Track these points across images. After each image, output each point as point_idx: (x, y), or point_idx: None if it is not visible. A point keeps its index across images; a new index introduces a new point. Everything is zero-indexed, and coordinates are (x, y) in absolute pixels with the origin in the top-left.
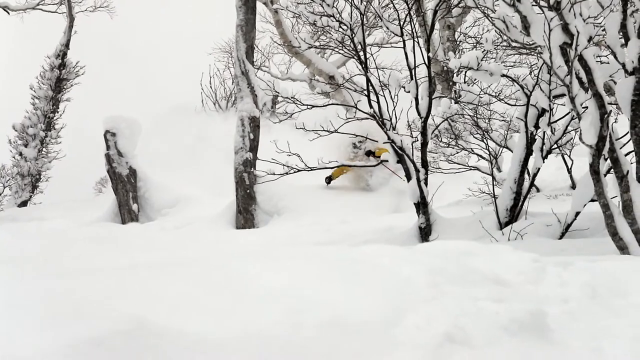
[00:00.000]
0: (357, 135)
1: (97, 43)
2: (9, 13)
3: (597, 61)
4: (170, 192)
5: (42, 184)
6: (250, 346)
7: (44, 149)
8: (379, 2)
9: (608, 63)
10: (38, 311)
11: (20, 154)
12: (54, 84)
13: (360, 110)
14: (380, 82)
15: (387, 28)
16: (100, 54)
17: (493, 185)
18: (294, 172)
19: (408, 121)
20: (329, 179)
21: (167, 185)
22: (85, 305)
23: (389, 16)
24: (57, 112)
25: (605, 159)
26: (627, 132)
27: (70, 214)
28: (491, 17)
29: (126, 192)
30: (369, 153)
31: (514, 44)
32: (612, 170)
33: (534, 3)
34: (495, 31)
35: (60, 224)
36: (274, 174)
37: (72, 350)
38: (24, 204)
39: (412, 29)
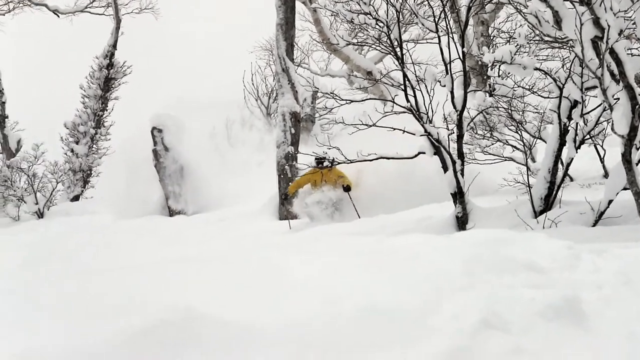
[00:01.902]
0: (394, 129)
1: (142, 42)
2: (58, 16)
3: (628, 54)
4: (215, 186)
5: (92, 179)
6: (290, 334)
7: (94, 146)
8: (414, 0)
9: (639, 56)
10: (91, 303)
11: (72, 151)
12: (103, 83)
13: (397, 104)
14: (416, 76)
15: (423, 25)
16: (145, 52)
17: (528, 175)
18: (335, 164)
19: (444, 114)
20: (284, 196)
21: (212, 179)
22: (135, 296)
23: (424, 13)
24: (106, 110)
25: (637, 149)
26: None
27: (120, 208)
28: (524, 13)
29: (173, 185)
30: (347, 189)
31: (546, 38)
32: None
33: None
34: (528, 26)
35: (110, 217)
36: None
37: (127, 339)
38: (76, 198)
39: (446, 25)
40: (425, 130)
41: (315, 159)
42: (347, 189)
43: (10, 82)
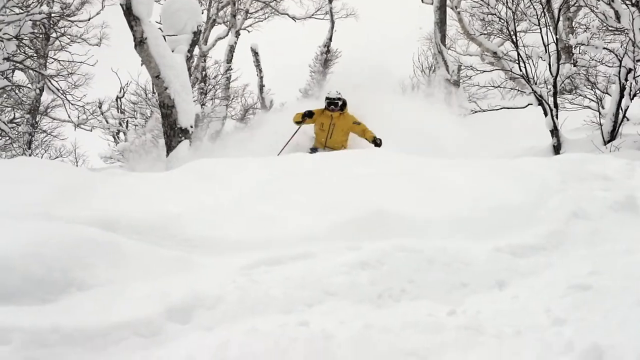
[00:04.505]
0: (511, 89)
1: (349, 35)
2: (295, 21)
3: None
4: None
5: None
6: (444, 222)
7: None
8: (524, 4)
9: None
10: (321, 201)
11: None
12: (323, 63)
13: (513, 73)
14: (526, 54)
15: (530, 20)
16: (349, 42)
17: (599, 117)
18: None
19: (544, 78)
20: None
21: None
22: (344, 199)
23: (530, 13)
24: (325, 81)
25: None
26: None
27: None
28: (596, 11)
29: None
30: (378, 144)
31: (610, 28)
32: None
33: (622, 2)
34: (599, 20)
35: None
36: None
37: (337, 225)
38: None
39: (545, 21)
40: (532, 89)
41: (326, 98)
42: (378, 144)
43: (263, 62)
